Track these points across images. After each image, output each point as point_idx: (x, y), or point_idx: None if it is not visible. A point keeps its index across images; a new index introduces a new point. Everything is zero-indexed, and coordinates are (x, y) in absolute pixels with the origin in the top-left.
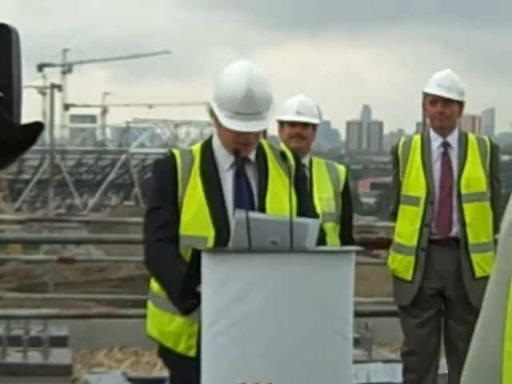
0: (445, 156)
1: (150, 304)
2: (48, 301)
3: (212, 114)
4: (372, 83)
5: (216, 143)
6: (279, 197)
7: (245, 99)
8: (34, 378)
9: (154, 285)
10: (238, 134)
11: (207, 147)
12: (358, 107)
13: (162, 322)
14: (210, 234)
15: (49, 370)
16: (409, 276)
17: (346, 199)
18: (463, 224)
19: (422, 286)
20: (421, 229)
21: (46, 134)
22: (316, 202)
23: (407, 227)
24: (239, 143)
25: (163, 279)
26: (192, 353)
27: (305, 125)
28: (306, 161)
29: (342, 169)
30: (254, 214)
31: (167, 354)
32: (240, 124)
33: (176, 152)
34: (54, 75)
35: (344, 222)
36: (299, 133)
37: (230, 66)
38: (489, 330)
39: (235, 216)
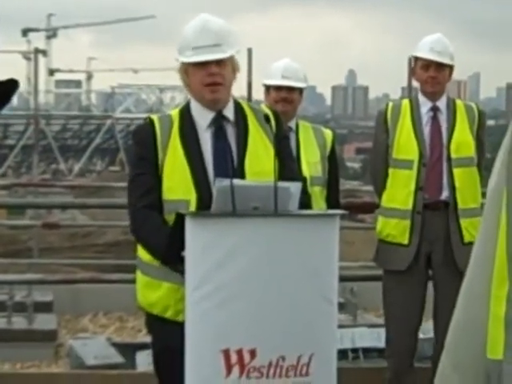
0: (434, 120)
1: (138, 273)
2: (33, 266)
3: (181, 71)
4: (357, 48)
5: (194, 105)
6: (259, 157)
7: (201, 30)
8: (19, 344)
9: (141, 252)
10: (204, 75)
11: (185, 110)
12: (343, 72)
13: (149, 288)
14: (192, 197)
15: (33, 335)
16: (405, 240)
17: (333, 163)
18: (453, 188)
19: (419, 250)
20: (415, 192)
21: (30, 99)
22: (304, 166)
23: (401, 191)
24: (208, 85)
25: (150, 248)
26: (181, 318)
27: (290, 89)
28: (292, 125)
29: (328, 133)
30: (235, 181)
31: (153, 323)
32: (200, 57)
33: (154, 118)
34: (38, 40)
35: (331, 186)
36: (285, 97)
37: None
38: (474, 290)
39: (216, 184)
